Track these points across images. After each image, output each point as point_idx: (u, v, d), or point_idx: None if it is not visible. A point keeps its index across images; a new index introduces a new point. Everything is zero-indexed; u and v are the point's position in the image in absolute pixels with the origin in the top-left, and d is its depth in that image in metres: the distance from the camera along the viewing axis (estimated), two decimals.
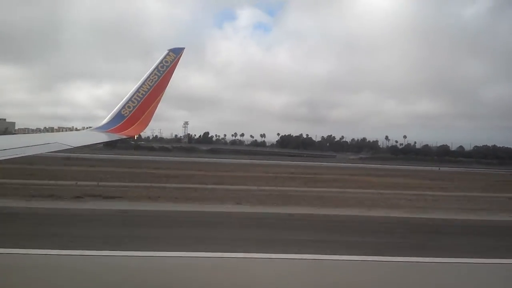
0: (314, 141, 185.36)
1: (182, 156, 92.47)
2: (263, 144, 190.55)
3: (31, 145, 6.88)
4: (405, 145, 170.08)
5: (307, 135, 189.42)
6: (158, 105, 8.28)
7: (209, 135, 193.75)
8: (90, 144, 7.80)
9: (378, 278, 8.45)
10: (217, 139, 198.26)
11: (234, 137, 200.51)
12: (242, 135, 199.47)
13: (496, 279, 8.71)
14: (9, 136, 7.63)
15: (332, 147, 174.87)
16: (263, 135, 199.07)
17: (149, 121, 8.13)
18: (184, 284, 7.83)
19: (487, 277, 8.81)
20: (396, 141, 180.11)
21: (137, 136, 8.22)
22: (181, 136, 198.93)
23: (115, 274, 8.23)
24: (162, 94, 8.20)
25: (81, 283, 7.63)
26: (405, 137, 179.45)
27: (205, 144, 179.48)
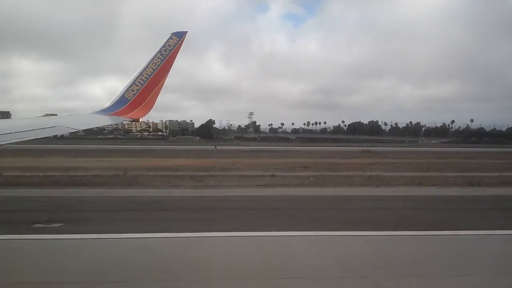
0: (381, 127, 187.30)
1: (296, 145, 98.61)
2: (324, 131, 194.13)
3: (36, 128, 6.99)
4: (478, 129, 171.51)
5: (375, 121, 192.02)
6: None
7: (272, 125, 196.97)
8: (95, 127, 7.90)
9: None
10: (273, 128, 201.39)
11: (293, 125, 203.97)
12: (293, 123, 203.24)
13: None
14: (14, 119, 7.74)
15: (397, 133, 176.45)
16: (318, 123, 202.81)
17: (153, 105, 8.18)
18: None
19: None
20: (460, 127, 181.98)
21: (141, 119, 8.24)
22: (246, 127, 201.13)
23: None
24: (166, 78, 8.24)
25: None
26: (472, 120, 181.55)
27: (270, 133, 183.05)
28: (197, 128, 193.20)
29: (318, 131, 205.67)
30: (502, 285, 6.82)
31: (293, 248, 8.92)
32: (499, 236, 9.86)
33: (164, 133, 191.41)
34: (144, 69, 8.04)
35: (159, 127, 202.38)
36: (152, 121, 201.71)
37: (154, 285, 6.71)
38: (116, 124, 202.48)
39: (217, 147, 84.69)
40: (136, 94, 7.99)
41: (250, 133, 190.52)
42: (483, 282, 6.83)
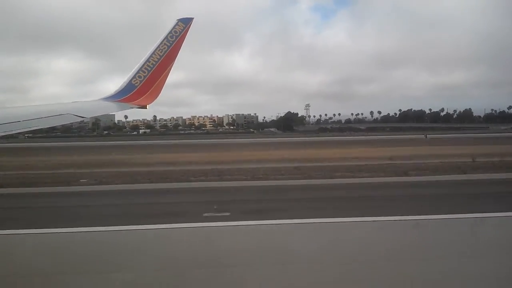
0: (439, 114, 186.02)
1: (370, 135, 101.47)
2: (376, 120, 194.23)
3: (43, 116, 7.02)
4: None
5: (430, 110, 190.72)
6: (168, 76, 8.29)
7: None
8: (102, 114, 7.92)
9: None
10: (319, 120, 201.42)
11: (354, 115, 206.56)
12: (339, 114, 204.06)
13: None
14: (20, 107, 7.77)
15: (452, 120, 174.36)
16: (337, 114, 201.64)
17: (160, 92, 8.18)
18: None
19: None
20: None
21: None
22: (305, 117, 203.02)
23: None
24: (172, 64, 8.20)
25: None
26: None
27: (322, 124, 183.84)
28: (276, 120, 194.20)
29: (367, 119, 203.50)
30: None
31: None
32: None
33: (233, 127, 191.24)
34: (151, 56, 8.00)
35: (225, 121, 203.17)
36: (217, 115, 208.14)
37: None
38: (176, 120, 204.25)
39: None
40: (143, 81, 7.99)
41: (308, 124, 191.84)
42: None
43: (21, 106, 7.64)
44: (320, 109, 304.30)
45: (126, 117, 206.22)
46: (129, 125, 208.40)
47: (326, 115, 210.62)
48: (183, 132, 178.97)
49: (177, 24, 8.07)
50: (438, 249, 7.66)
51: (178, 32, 8.07)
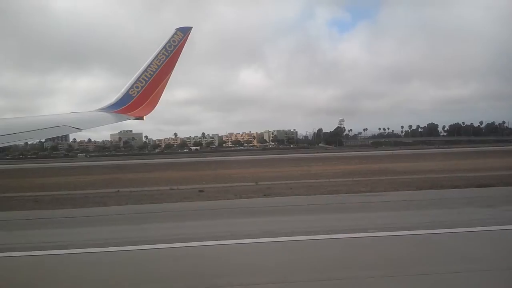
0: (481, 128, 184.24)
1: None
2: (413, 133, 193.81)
3: (39, 128, 6.82)
4: None
5: (481, 122, 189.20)
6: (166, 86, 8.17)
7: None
8: (98, 126, 7.74)
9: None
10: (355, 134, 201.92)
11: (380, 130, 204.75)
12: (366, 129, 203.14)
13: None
14: (16, 118, 7.54)
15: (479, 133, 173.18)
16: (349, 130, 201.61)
17: (157, 102, 8.07)
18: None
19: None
20: None
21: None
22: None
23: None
24: (170, 74, 8.10)
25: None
26: None
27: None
28: (323, 135, 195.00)
29: (395, 133, 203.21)
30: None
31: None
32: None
33: (272, 144, 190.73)
34: (149, 66, 7.90)
35: (265, 137, 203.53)
36: (256, 132, 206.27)
37: None
38: (212, 137, 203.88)
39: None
40: (141, 91, 7.87)
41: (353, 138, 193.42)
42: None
43: (16, 117, 7.41)
44: (324, 123, 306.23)
45: (148, 138, 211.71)
46: (160, 142, 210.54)
47: (351, 130, 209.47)
48: (233, 148, 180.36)
49: (175, 33, 7.97)
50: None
51: (177, 41, 7.98)
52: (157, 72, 7.89)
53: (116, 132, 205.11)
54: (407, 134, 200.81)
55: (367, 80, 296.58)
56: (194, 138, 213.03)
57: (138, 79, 7.84)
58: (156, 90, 7.98)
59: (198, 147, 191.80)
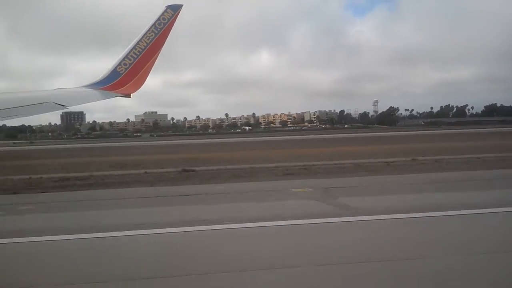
0: None
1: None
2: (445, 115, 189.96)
3: (24, 105, 6.77)
4: None
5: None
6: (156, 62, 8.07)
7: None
8: (86, 103, 7.69)
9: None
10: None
11: (407, 111, 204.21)
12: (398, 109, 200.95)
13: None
14: (1, 93, 7.43)
15: None
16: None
17: (145, 80, 8.01)
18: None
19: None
20: None
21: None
22: (370, 113, 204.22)
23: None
24: (159, 52, 8.01)
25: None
26: None
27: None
28: (376, 116, 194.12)
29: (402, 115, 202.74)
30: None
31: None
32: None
33: (324, 124, 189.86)
34: (138, 43, 7.79)
35: (306, 118, 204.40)
36: (296, 112, 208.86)
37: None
38: (247, 118, 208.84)
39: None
40: (128, 69, 7.79)
41: (373, 118, 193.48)
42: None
43: (1, 92, 7.31)
44: (323, 106, 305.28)
45: (185, 118, 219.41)
46: (190, 124, 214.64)
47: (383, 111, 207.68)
48: (287, 128, 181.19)
49: (165, 11, 7.81)
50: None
51: (167, 19, 7.82)
52: (145, 49, 7.79)
53: (141, 113, 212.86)
54: (444, 114, 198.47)
55: (375, 63, 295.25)
56: (226, 119, 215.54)
57: (126, 56, 7.74)
58: (144, 68, 7.90)
59: (249, 127, 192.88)
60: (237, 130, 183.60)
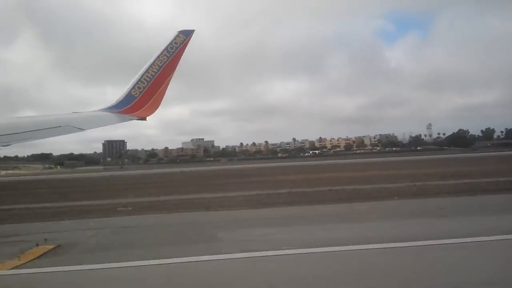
0: None
1: None
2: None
3: (41, 128, 7.09)
4: None
5: None
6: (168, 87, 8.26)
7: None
8: (101, 126, 7.93)
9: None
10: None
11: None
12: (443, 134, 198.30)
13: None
14: (19, 117, 7.81)
15: None
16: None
17: (160, 103, 8.18)
18: None
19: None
20: None
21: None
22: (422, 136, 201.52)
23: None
24: (172, 76, 8.20)
25: None
26: None
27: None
28: (445, 138, 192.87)
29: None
30: None
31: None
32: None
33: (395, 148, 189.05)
34: (150, 67, 8.03)
35: (365, 141, 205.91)
36: (354, 136, 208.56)
37: None
38: (302, 142, 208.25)
39: None
40: (143, 92, 8.00)
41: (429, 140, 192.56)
42: None
43: (19, 116, 7.71)
44: (342, 132, 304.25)
45: (241, 144, 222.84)
46: (241, 150, 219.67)
47: (444, 133, 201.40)
48: (357, 151, 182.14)
49: (177, 35, 8.06)
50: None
51: (179, 43, 8.05)
52: (158, 73, 8.01)
53: (189, 140, 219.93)
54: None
55: (397, 88, 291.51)
56: (282, 144, 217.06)
57: (139, 80, 7.99)
58: (158, 91, 8.10)
59: (318, 151, 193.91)
60: (306, 154, 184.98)
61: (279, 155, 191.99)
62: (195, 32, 8.39)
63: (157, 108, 8.17)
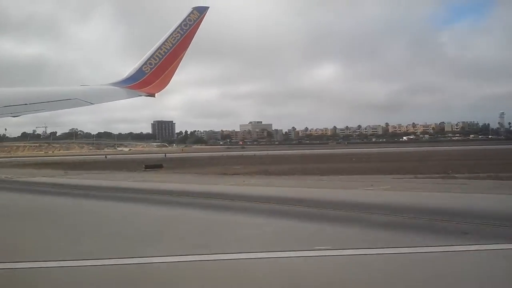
0: None
1: None
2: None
3: (51, 100, 7.12)
4: None
5: None
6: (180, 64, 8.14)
7: None
8: (110, 101, 7.93)
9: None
10: None
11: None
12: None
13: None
14: (28, 89, 7.82)
15: None
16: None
17: (170, 80, 8.10)
18: None
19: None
20: None
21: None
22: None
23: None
24: (184, 53, 8.06)
25: None
26: None
27: None
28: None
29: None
30: None
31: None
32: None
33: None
34: (163, 43, 7.88)
35: (446, 129, 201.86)
36: (434, 123, 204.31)
37: None
38: (358, 128, 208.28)
39: None
40: (154, 68, 7.91)
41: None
42: None
43: (28, 88, 7.74)
44: (362, 119, 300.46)
45: (293, 128, 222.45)
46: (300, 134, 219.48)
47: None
48: (450, 138, 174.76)
49: (191, 12, 7.83)
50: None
51: (193, 20, 7.84)
52: (171, 50, 7.87)
53: (246, 123, 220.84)
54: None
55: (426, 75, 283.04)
56: (346, 129, 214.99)
57: (152, 56, 7.88)
58: (169, 68, 7.99)
59: (409, 137, 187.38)
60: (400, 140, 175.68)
61: (373, 139, 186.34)
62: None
63: (166, 85, 8.10)
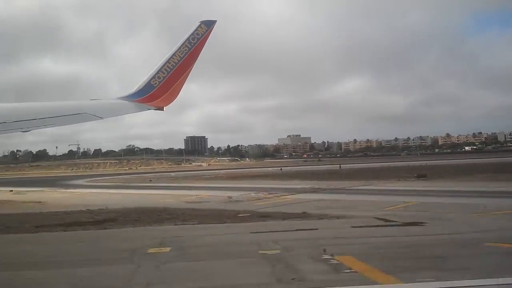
0: None
1: None
2: None
3: (60, 115, 7.16)
4: None
5: None
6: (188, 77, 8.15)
7: None
8: (120, 115, 7.95)
9: None
10: None
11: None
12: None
13: None
14: (37, 103, 7.88)
15: None
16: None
17: (178, 93, 8.11)
18: None
19: None
20: None
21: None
22: None
23: None
24: (192, 66, 8.06)
25: None
26: None
27: None
28: None
29: None
30: None
31: None
32: None
33: None
34: (171, 57, 7.91)
35: (499, 138, 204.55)
36: (486, 133, 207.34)
37: None
38: (423, 139, 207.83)
39: None
40: (162, 81, 7.94)
41: None
42: None
43: (37, 103, 7.80)
44: (370, 131, 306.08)
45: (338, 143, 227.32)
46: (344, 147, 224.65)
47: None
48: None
49: (199, 26, 7.86)
50: None
51: (200, 34, 7.87)
52: (179, 63, 7.89)
53: (285, 136, 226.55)
54: None
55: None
56: (395, 140, 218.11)
57: (160, 70, 7.91)
58: (178, 81, 8.01)
59: (473, 147, 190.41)
60: (463, 150, 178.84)
61: (436, 150, 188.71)
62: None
63: (175, 98, 8.11)
